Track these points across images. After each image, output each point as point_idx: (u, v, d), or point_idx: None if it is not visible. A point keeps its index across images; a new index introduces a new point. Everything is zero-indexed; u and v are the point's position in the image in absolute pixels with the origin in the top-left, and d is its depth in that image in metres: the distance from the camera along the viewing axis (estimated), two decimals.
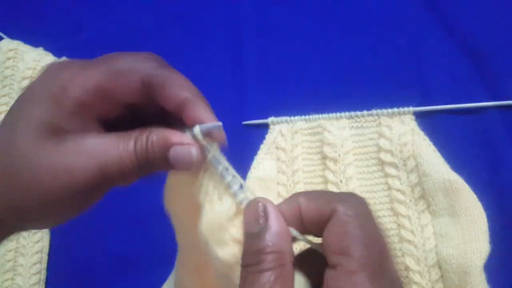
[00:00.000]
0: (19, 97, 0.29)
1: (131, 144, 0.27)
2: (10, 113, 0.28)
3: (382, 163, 0.55)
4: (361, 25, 0.64)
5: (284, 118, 0.59)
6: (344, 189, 0.55)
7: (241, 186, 0.28)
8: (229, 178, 0.28)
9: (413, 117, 0.56)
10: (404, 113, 0.56)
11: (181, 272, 0.37)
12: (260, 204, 0.26)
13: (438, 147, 0.54)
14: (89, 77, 0.27)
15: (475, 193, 0.51)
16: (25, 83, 0.66)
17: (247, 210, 0.27)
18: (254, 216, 0.26)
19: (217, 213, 0.27)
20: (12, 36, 0.70)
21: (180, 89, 0.28)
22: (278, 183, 0.57)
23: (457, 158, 0.54)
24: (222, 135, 0.29)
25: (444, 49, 0.61)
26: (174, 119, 0.29)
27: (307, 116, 0.59)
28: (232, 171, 0.29)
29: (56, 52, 0.68)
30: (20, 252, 0.60)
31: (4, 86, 0.67)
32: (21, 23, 0.72)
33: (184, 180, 0.30)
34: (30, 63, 0.66)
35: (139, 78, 0.28)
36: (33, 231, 0.61)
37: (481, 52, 0.60)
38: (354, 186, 0.55)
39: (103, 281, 0.59)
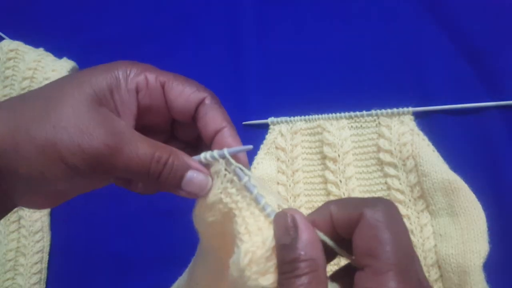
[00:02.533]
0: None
1: (151, 146, 0.29)
2: (66, 77, 0.31)
3: (381, 163, 0.55)
4: (360, 25, 0.64)
5: (284, 118, 0.59)
6: (343, 188, 0.55)
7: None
8: (263, 202, 0.29)
9: (412, 117, 0.56)
10: (403, 113, 0.56)
11: (198, 277, 0.38)
12: (289, 215, 0.27)
13: (437, 147, 0.54)
14: (158, 77, 0.31)
15: (474, 193, 0.51)
16: (26, 83, 0.66)
17: (276, 222, 0.28)
18: (284, 228, 0.27)
19: (256, 243, 0.28)
20: (13, 36, 0.70)
21: (221, 121, 0.32)
22: (278, 183, 0.58)
23: (456, 158, 0.54)
24: (245, 160, 0.32)
25: (444, 49, 0.61)
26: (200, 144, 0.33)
27: (306, 116, 0.59)
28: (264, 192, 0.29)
29: (57, 53, 0.69)
30: (21, 252, 0.60)
31: (5, 86, 0.67)
32: (21, 24, 0.72)
33: (216, 208, 0.31)
34: (30, 63, 0.66)
35: (199, 97, 0.32)
36: (34, 231, 0.61)
37: (481, 52, 0.60)
38: (353, 186, 0.55)
39: (103, 281, 0.59)
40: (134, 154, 0.28)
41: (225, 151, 0.30)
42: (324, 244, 0.27)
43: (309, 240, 0.26)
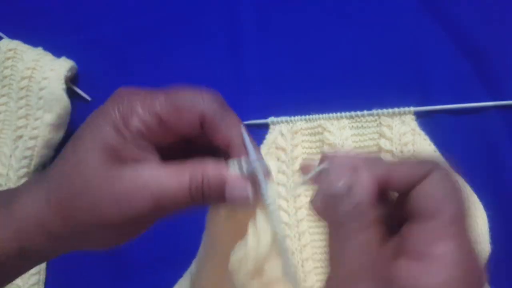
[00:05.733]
0: (86, 120, 0.31)
1: (186, 180, 0.29)
2: (77, 136, 0.31)
3: None
4: (361, 25, 0.64)
5: (284, 118, 0.59)
6: None
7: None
8: (275, 215, 0.29)
9: (413, 117, 0.56)
10: (404, 113, 0.56)
11: (204, 279, 0.38)
12: (348, 160, 0.26)
13: (438, 147, 0.54)
14: (150, 109, 0.30)
15: (476, 194, 0.51)
16: (24, 82, 0.65)
17: (334, 170, 0.26)
18: (341, 174, 0.25)
19: (252, 244, 0.28)
20: (11, 35, 0.70)
21: (232, 130, 0.31)
22: (278, 183, 0.57)
23: (457, 158, 0.53)
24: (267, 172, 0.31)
25: (444, 49, 0.61)
26: (222, 151, 0.32)
27: (307, 116, 0.59)
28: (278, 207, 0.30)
29: (56, 52, 0.68)
30: None
31: (3, 86, 0.67)
32: (20, 23, 0.72)
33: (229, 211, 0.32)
34: (29, 63, 0.66)
35: (197, 115, 0.30)
36: None
37: (481, 52, 0.60)
38: None
39: (102, 281, 0.59)
40: (173, 194, 0.29)
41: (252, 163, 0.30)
42: None
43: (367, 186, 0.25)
